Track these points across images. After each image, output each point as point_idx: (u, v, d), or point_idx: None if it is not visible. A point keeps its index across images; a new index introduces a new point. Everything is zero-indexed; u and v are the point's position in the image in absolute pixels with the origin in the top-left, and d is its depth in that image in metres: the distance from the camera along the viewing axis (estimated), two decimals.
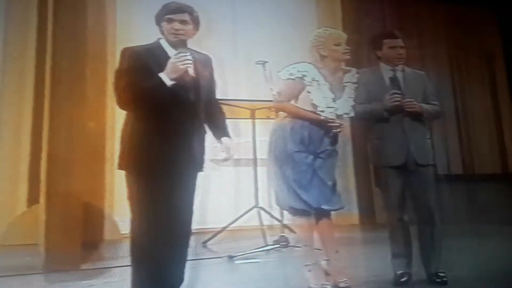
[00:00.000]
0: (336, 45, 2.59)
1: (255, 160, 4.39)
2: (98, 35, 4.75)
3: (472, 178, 6.90)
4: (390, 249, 2.72)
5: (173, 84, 2.03)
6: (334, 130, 2.55)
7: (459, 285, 2.53)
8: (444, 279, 2.53)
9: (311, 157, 2.52)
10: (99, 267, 3.35)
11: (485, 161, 7.34)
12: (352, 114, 2.62)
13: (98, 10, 4.83)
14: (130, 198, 2.08)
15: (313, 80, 2.54)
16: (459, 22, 7.41)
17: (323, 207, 2.53)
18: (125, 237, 4.66)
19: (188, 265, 2.22)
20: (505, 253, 3.32)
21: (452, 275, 2.57)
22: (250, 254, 3.60)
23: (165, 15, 2.12)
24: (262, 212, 4.34)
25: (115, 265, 3.43)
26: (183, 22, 2.12)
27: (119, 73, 2.10)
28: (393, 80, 2.67)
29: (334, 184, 2.59)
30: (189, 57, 2.04)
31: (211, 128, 2.27)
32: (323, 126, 2.53)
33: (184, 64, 2.01)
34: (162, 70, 2.03)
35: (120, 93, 2.06)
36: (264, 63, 3.92)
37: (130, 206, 2.08)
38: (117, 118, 5.00)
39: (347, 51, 2.60)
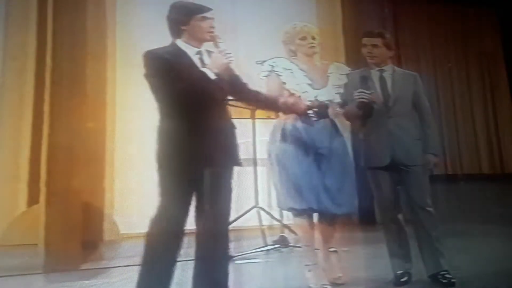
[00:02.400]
0: (301, 39, 2.62)
1: (255, 160, 4.39)
2: (98, 35, 4.75)
3: (471, 178, 6.90)
4: (387, 249, 2.72)
5: (215, 79, 2.06)
6: (311, 114, 2.52)
7: (459, 285, 2.53)
8: (452, 280, 2.52)
9: (312, 154, 2.51)
10: (99, 267, 3.35)
11: (484, 161, 7.35)
12: (337, 101, 2.62)
13: (97, 10, 4.83)
14: (161, 195, 2.07)
15: (285, 69, 2.57)
16: (460, 22, 7.42)
17: (329, 210, 2.51)
18: (124, 237, 4.70)
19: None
20: (505, 253, 3.32)
21: (453, 275, 2.56)
22: (250, 254, 3.60)
23: (196, 14, 2.13)
24: (262, 212, 4.34)
25: (115, 265, 3.43)
26: (212, 19, 2.17)
27: (161, 78, 2.06)
28: (364, 79, 2.64)
29: (340, 185, 2.53)
30: (230, 53, 2.08)
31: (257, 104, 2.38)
32: (309, 114, 2.52)
33: (227, 59, 2.05)
34: (188, 70, 2.06)
35: (177, 97, 2.05)
36: (264, 63, 3.91)
37: (161, 203, 2.06)
38: (117, 118, 5.02)
39: (312, 44, 2.62)
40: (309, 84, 2.57)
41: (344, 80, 2.68)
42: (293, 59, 2.64)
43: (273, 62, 2.61)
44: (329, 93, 2.60)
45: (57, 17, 3.55)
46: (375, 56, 2.74)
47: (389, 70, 2.77)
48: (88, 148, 4.06)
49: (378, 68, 2.75)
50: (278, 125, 2.61)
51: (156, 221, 2.06)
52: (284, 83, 2.56)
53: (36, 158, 4.17)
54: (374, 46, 2.73)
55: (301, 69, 2.60)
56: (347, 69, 2.75)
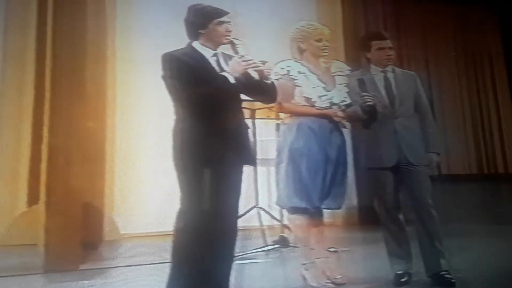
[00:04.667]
0: (317, 41, 2.62)
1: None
2: (98, 35, 4.75)
3: (471, 178, 6.90)
4: (386, 250, 2.72)
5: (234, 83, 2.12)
6: (337, 119, 2.57)
7: (460, 285, 2.53)
8: (452, 280, 2.52)
9: (321, 154, 2.52)
10: (99, 267, 3.35)
11: (485, 160, 7.35)
12: (349, 101, 2.63)
13: (97, 9, 4.83)
14: (182, 192, 2.12)
15: (299, 73, 2.58)
16: (460, 22, 7.42)
17: (323, 206, 2.56)
18: (124, 237, 4.70)
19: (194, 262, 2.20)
20: (505, 254, 3.31)
21: (453, 275, 2.57)
22: (250, 254, 3.60)
23: (214, 18, 2.17)
24: (262, 212, 4.34)
25: (115, 265, 3.43)
26: (229, 23, 2.21)
27: (180, 80, 2.09)
28: (361, 82, 2.63)
29: (341, 183, 2.60)
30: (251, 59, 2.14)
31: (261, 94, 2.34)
32: (328, 118, 2.55)
33: (247, 64, 2.12)
34: (206, 73, 2.11)
35: (202, 101, 2.09)
36: (264, 63, 3.90)
37: (181, 200, 2.11)
38: (117, 118, 5.01)
39: (326, 48, 2.62)
40: (323, 88, 2.58)
41: (346, 79, 2.68)
42: (299, 59, 2.64)
43: (288, 66, 2.59)
44: (340, 94, 2.62)
45: (57, 17, 3.54)
46: (393, 58, 2.74)
47: (390, 70, 2.77)
48: (88, 148, 4.05)
49: (381, 69, 2.75)
50: (289, 125, 2.61)
51: (180, 219, 2.11)
52: (299, 86, 2.56)
53: (36, 158, 4.17)
54: (391, 48, 2.73)
55: (312, 72, 2.60)
56: (346, 67, 2.76)
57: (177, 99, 2.13)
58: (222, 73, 2.12)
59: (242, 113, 2.30)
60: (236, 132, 2.19)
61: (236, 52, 2.17)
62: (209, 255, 2.10)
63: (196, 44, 2.21)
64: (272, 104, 2.92)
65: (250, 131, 2.32)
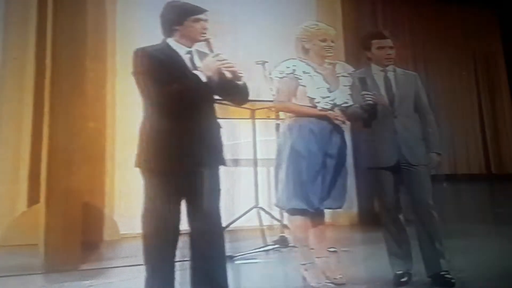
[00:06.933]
0: (321, 41, 2.62)
1: (255, 160, 4.39)
2: (98, 35, 4.75)
3: (471, 178, 6.91)
4: (386, 250, 2.72)
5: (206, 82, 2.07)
6: (337, 122, 2.56)
7: (459, 285, 2.53)
8: (452, 280, 2.52)
9: (321, 155, 2.52)
10: (99, 267, 3.35)
11: (484, 161, 7.35)
12: (350, 103, 2.63)
13: (98, 10, 4.83)
14: (146, 195, 2.11)
15: (304, 73, 2.57)
16: (460, 22, 7.42)
17: (324, 206, 2.56)
18: (124, 237, 4.69)
19: (189, 266, 2.21)
20: (505, 254, 3.32)
21: (453, 275, 2.56)
22: (250, 254, 3.60)
23: (190, 15, 2.13)
24: (262, 212, 4.34)
25: (115, 265, 3.43)
26: (206, 21, 2.16)
27: (151, 77, 2.05)
28: (362, 80, 2.63)
29: (341, 183, 2.61)
30: (225, 57, 2.09)
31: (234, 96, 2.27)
32: (328, 120, 2.55)
33: (221, 63, 2.05)
34: (179, 70, 2.07)
35: (171, 97, 2.04)
36: (264, 63, 3.91)
37: (145, 204, 2.11)
38: (117, 118, 5.01)
39: (330, 48, 2.62)
40: (327, 88, 2.58)
41: (350, 80, 2.68)
42: (304, 58, 2.64)
43: (294, 65, 2.59)
44: (343, 95, 2.62)
45: (57, 17, 3.54)
46: (393, 57, 2.74)
47: (391, 70, 2.77)
48: (88, 148, 4.05)
49: (381, 69, 2.75)
50: (290, 125, 2.61)
51: (146, 223, 2.11)
52: (303, 86, 2.56)
53: (36, 158, 4.17)
54: (391, 47, 2.73)
55: (317, 72, 2.60)
56: (351, 69, 2.76)
57: (146, 95, 2.08)
58: (194, 71, 2.07)
59: (214, 112, 2.23)
60: (207, 131, 2.14)
61: (211, 51, 2.12)
62: (202, 256, 2.08)
63: (171, 41, 2.17)
64: (271, 104, 2.91)
65: (222, 131, 2.24)
